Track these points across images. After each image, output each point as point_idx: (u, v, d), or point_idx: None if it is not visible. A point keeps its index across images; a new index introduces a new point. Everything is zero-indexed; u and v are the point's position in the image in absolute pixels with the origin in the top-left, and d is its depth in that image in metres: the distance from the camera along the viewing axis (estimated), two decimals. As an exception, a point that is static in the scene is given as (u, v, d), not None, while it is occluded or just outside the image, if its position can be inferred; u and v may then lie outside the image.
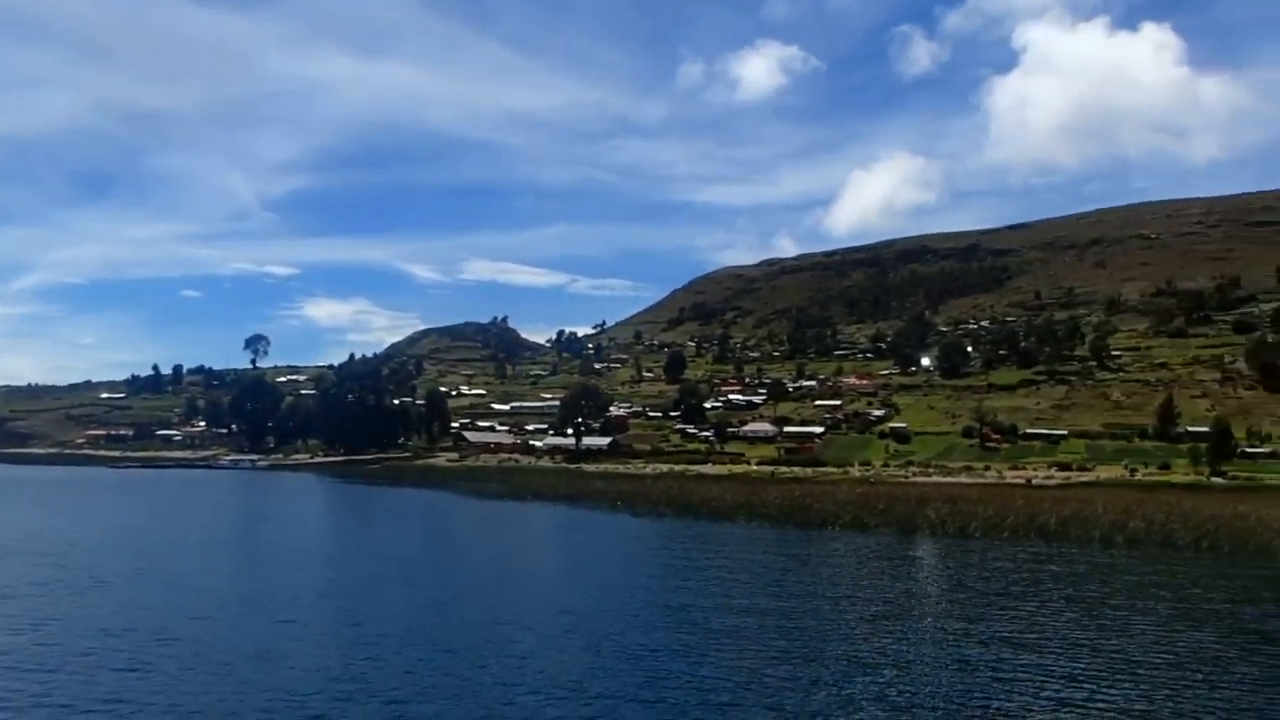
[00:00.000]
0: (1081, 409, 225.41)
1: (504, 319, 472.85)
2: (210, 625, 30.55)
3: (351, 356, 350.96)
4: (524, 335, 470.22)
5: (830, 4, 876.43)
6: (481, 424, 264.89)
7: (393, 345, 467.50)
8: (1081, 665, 24.18)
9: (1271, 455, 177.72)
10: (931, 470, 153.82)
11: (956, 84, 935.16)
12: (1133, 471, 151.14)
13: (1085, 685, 22.54)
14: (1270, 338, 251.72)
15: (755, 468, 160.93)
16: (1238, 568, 41.55)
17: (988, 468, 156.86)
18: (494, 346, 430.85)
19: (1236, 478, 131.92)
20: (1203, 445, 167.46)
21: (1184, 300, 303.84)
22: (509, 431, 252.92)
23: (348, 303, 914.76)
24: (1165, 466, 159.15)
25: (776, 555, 45.85)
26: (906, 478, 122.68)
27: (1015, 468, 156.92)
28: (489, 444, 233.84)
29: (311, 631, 29.53)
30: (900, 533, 54.51)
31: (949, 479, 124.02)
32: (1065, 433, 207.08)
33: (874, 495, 69.24)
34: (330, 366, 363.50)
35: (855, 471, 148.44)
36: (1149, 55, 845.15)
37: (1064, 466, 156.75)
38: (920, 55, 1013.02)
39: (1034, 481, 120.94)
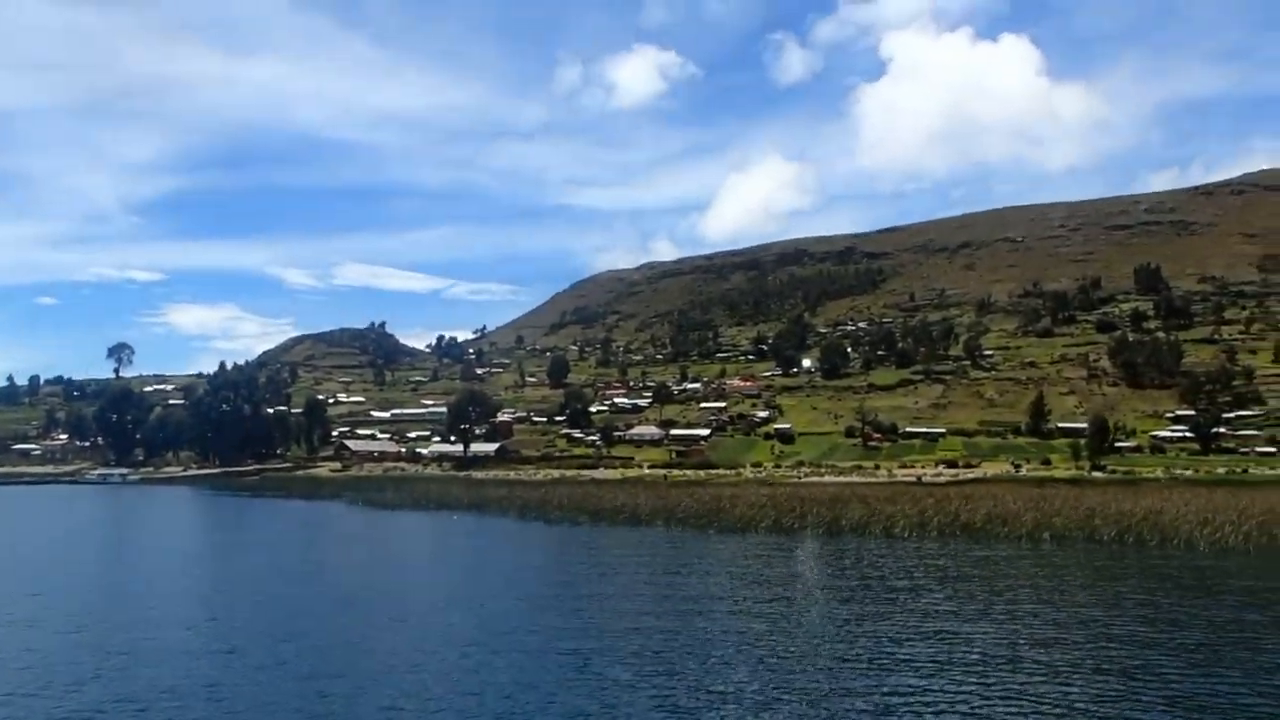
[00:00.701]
0: (958, 407, 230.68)
1: (381, 324, 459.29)
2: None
3: (223, 365, 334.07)
4: (402, 341, 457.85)
5: (707, 10, 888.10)
6: (362, 432, 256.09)
7: (265, 353, 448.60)
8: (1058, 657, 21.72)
9: (1137, 449, 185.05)
10: (824, 470, 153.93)
11: (829, 91, 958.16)
12: (1017, 467, 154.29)
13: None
14: (1131, 336, 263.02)
15: (648, 471, 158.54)
16: (1171, 560, 40.34)
17: (877, 466, 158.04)
18: (372, 353, 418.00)
19: (1115, 472, 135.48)
20: (1082, 441, 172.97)
21: (1050, 301, 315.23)
22: (391, 439, 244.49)
23: (216, 309, 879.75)
24: (1046, 462, 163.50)
25: (708, 561, 42.56)
26: (800, 478, 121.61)
27: (904, 466, 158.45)
28: (373, 453, 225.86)
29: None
30: (828, 534, 52.18)
31: (843, 479, 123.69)
32: (943, 431, 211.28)
33: (784, 497, 66.93)
34: (200, 375, 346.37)
35: (748, 473, 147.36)
36: (1009, 65, 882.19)
37: (951, 464, 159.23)
38: (794, 62, 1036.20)
39: (924, 479, 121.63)
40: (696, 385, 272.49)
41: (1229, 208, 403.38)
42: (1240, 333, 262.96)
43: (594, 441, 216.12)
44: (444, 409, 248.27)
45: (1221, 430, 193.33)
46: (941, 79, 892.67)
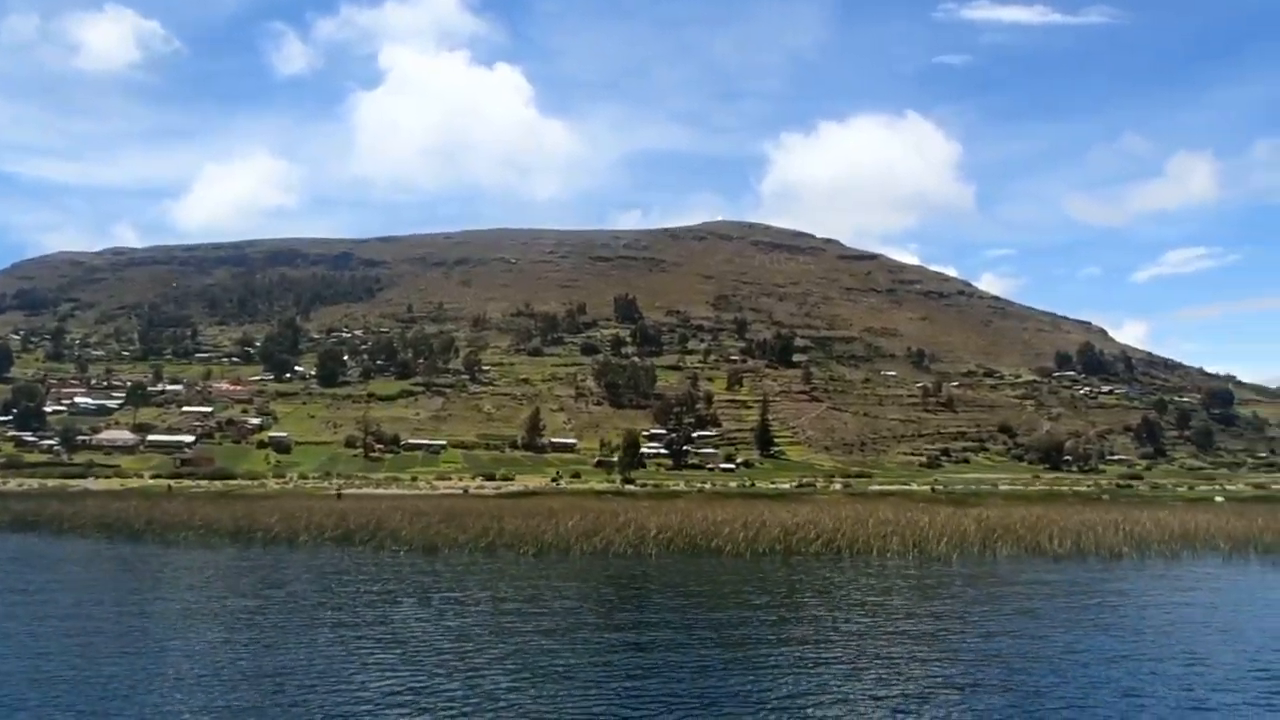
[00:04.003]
0: (458, 420, 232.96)
1: None
2: None
3: None
4: None
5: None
6: None
7: None
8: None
9: (620, 464, 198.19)
10: (357, 481, 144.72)
11: (325, 92, 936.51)
12: (555, 480, 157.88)
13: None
14: (612, 360, 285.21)
15: (151, 481, 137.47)
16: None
17: (414, 478, 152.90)
18: None
19: (645, 485, 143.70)
20: (615, 456, 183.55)
21: (541, 322, 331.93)
22: None
23: None
24: (576, 475, 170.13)
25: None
26: (335, 490, 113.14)
27: (443, 478, 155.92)
28: None
29: None
30: (486, 551, 46.89)
31: (383, 490, 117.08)
32: (444, 443, 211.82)
33: (367, 511, 59.87)
34: None
35: (273, 484, 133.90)
36: (503, 94, 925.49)
37: (489, 476, 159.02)
38: (293, 56, 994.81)
39: (470, 491, 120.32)
40: (178, 387, 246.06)
41: (692, 251, 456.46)
42: (700, 362, 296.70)
43: (51, 446, 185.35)
44: None
45: (688, 448, 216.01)
46: (438, 97, 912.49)
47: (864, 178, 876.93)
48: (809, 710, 18.70)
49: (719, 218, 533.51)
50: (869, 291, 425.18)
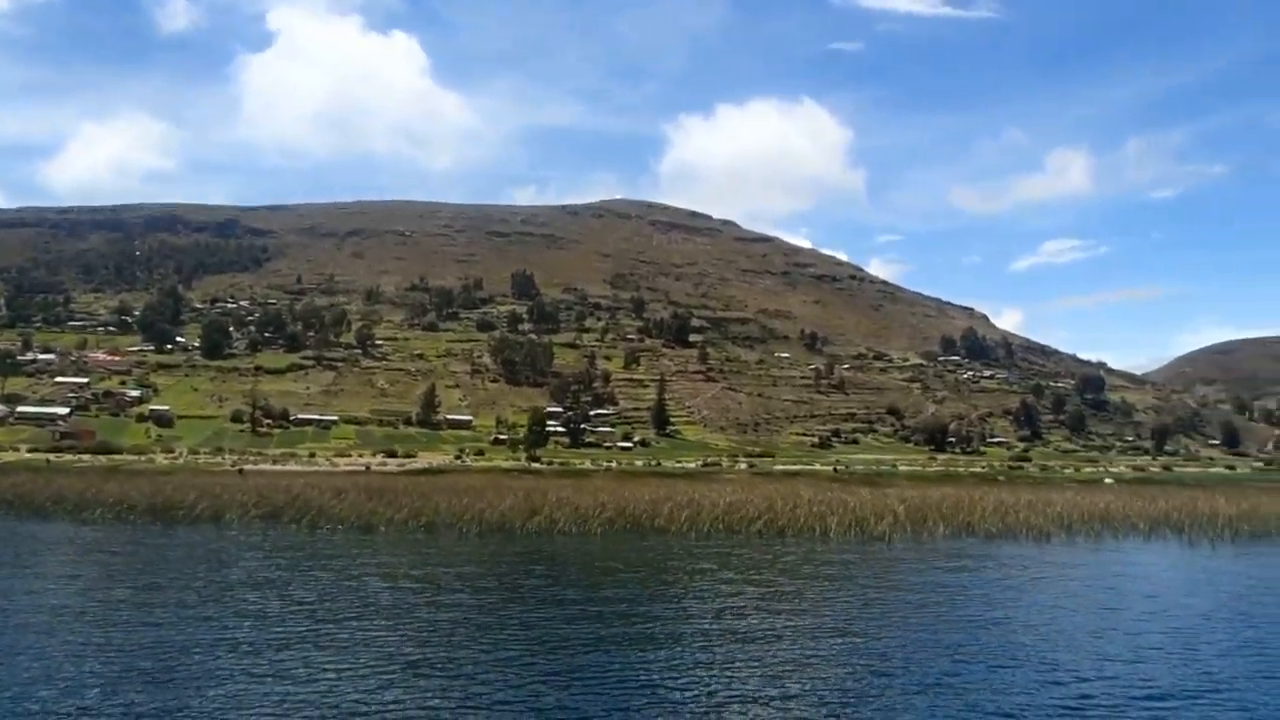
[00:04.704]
0: (350, 395, 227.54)
1: None
2: None
3: None
4: None
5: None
6: None
7: None
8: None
9: (518, 441, 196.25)
10: (252, 457, 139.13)
11: (209, 52, 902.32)
12: (459, 457, 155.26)
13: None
14: (509, 336, 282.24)
15: (28, 455, 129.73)
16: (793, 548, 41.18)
17: (312, 455, 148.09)
18: None
19: (551, 463, 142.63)
20: (514, 434, 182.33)
21: (436, 297, 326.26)
22: None
23: None
24: (480, 453, 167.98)
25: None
26: (234, 466, 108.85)
27: (342, 454, 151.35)
28: None
29: None
30: (426, 533, 45.29)
31: (297, 468, 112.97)
32: (336, 418, 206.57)
33: (274, 490, 57.30)
34: None
35: (162, 459, 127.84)
36: (398, 62, 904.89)
37: (391, 453, 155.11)
38: (175, 13, 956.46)
39: (372, 468, 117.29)
40: (51, 356, 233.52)
41: (590, 228, 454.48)
42: (597, 340, 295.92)
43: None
44: None
45: (585, 427, 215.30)
46: (330, 63, 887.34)
47: (759, 161, 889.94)
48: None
49: (617, 196, 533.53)
50: (764, 274, 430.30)
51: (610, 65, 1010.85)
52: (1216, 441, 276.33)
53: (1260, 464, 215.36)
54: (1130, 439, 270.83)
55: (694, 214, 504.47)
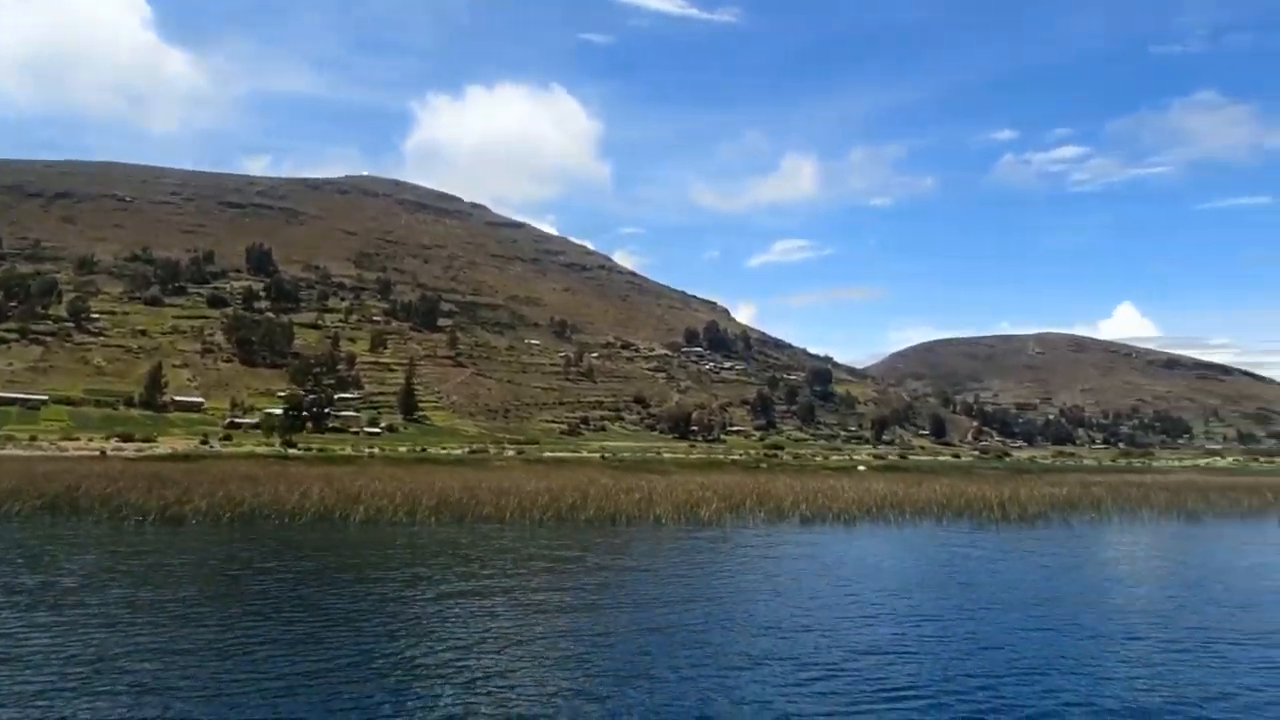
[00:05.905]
0: (61, 373, 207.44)
1: None
2: None
3: None
4: None
5: None
6: None
7: None
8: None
9: (256, 426, 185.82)
10: None
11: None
12: (205, 441, 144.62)
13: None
14: (243, 314, 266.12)
15: None
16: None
17: (34, 438, 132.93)
18: None
19: (309, 449, 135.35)
20: (276, 418, 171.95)
21: (160, 269, 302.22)
22: None
23: None
24: (228, 438, 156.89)
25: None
26: None
27: (69, 438, 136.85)
28: None
29: None
30: (213, 523, 40.99)
31: (6, 452, 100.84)
32: (46, 398, 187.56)
33: (37, 475, 50.85)
34: None
35: None
36: (115, 10, 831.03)
37: (127, 437, 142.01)
38: None
39: (107, 453, 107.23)
40: None
41: (333, 204, 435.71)
42: (341, 321, 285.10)
43: None
44: None
45: (329, 411, 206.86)
46: (39, 4, 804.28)
47: (508, 146, 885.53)
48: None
49: (362, 172, 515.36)
50: (514, 260, 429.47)
51: (353, 35, 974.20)
52: (926, 431, 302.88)
53: (976, 453, 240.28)
54: (854, 429, 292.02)
55: (443, 195, 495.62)
